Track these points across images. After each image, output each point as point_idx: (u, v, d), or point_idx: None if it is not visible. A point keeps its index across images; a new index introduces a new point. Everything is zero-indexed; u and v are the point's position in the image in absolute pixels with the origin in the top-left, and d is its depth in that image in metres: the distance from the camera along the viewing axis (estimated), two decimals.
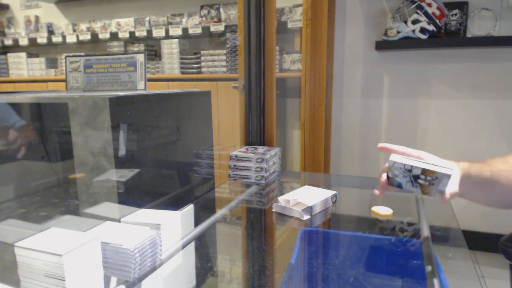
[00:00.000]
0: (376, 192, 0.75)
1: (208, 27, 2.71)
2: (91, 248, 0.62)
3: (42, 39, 3.36)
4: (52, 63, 3.45)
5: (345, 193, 1.37)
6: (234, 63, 2.62)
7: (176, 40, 2.81)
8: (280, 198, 1.10)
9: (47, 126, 1.15)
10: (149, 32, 2.93)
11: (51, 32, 3.46)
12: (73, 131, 0.86)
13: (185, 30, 2.81)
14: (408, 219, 1.09)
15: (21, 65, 3.49)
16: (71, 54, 1.35)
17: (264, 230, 1.08)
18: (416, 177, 0.69)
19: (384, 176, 0.74)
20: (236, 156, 1.42)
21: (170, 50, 2.82)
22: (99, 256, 0.64)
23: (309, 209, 1.05)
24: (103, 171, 0.84)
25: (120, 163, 0.86)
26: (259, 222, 1.12)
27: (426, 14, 1.98)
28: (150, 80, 1.14)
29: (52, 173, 1.16)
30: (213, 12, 2.84)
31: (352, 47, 2.33)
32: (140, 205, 0.89)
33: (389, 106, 2.30)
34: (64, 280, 0.57)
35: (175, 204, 1.08)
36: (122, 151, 0.86)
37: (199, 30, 2.76)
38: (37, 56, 3.53)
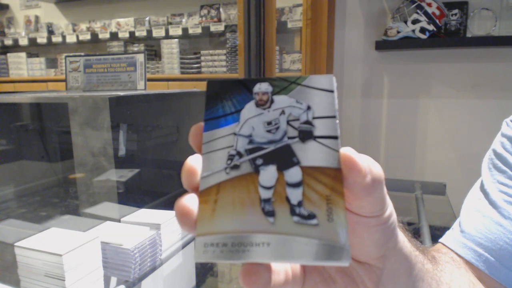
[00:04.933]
0: None
1: (208, 27, 2.71)
2: (91, 248, 0.62)
3: (42, 39, 3.36)
4: (52, 63, 3.44)
5: None
6: (234, 63, 2.61)
7: (176, 40, 2.80)
8: None
9: (47, 126, 1.15)
10: (149, 32, 2.93)
11: (51, 32, 3.46)
12: (73, 131, 0.86)
13: (185, 30, 2.81)
14: (408, 219, 1.09)
15: (21, 65, 3.49)
16: (71, 54, 1.35)
17: None
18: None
19: None
20: None
21: (170, 50, 2.82)
22: (99, 256, 0.64)
23: None
24: (103, 171, 0.84)
25: (120, 163, 0.86)
26: None
27: (426, 14, 1.98)
28: (150, 80, 1.14)
29: (52, 173, 1.16)
30: (213, 12, 2.84)
31: (352, 47, 2.33)
32: (140, 205, 0.89)
33: (389, 106, 2.30)
34: (64, 280, 0.57)
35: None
36: (122, 151, 0.86)
37: (199, 30, 2.76)
38: (37, 56, 3.53)
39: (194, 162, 0.24)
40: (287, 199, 0.23)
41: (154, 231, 0.72)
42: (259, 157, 0.24)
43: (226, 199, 0.23)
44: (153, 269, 0.71)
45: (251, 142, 0.25)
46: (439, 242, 0.52)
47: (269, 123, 0.25)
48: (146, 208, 0.87)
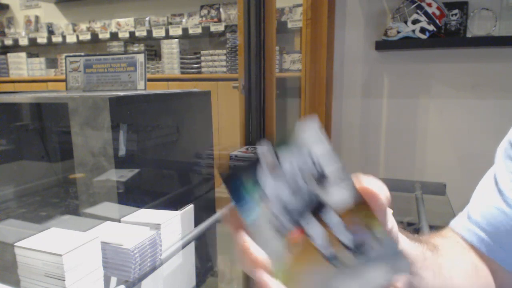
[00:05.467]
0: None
1: (208, 27, 2.71)
2: (91, 248, 0.62)
3: (42, 39, 3.36)
4: (52, 63, 3.44)
5: None
6: (234, 63, 2.61)
7: (176, 40, 2.80)
8: None
9: (47, 126, 1.15)
10: (149, 32, 2.93)
11: (51, 32, 3.46)
12: (73, 131, 0.86)
13: (185, 30, 2.81)
14: (408, 219, 1.09)
15: (21, 65, 3.49)
16: (71, 54, 1.35)
17: None
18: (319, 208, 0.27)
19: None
20: (236, 156, 1.42)
21: (170, 50, 2.82)
22: (99, 256, 0.64)
23: None
24: (103, 171, 0.84)
25: (120, 163, 0.86)
26: None
27: (426, 14, 1.98)
28: (150, 80, 1.14)
29: (52, 173, 1.16)
30: (213, 12, 2.84)
31: (352, 47, 2.33)
32: (140, 205, 0.89)
33: (389, 106, 2.30)
34: (64, 280, 0.57)
35: (175, 204, 1.08)
36: (122, 151, 0.86)
37: (199, 30, 2.76)
38: (37, 56, 3.53)
39: (256, 251, 0.27)
40: (339, 240, 0.27)
41: (154, 231, 0.72)
42: (299, 216, 0.27)
43: (295, 266, 0.27)
44: (153, 269, 0.71)
45: (284, 208, 0.28)
46: (449, 227, 0.60)
47: (290, 185, 0.28)
48: (146, 208, 0.87)
